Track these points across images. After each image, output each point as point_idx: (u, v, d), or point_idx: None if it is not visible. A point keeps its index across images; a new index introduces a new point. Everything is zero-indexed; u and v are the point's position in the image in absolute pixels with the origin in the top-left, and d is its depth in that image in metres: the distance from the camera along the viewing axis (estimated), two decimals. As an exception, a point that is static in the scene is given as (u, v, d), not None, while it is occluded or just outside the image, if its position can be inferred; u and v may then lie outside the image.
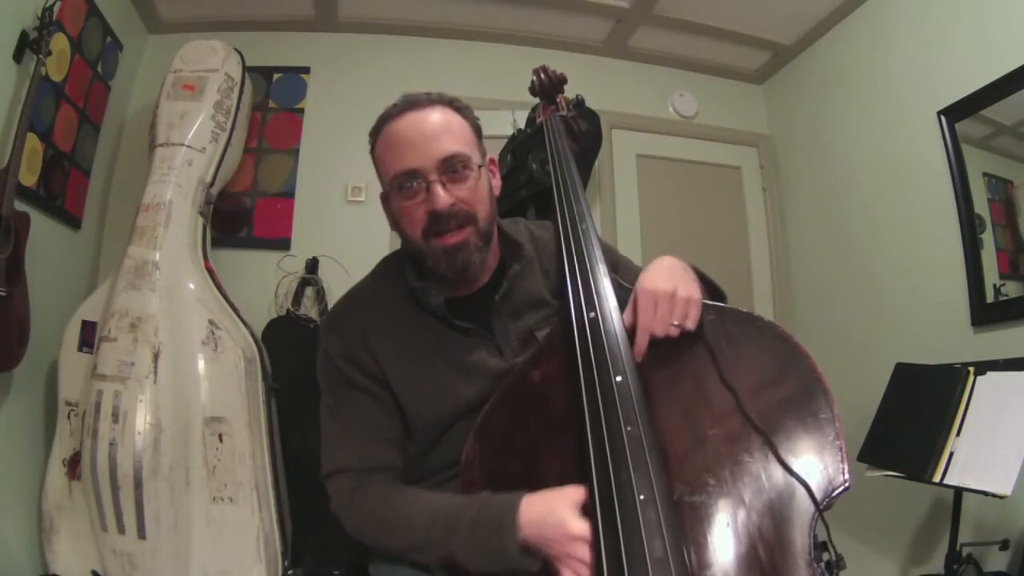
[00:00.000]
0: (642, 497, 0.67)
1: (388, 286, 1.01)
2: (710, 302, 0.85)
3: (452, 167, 0.89)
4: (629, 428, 0.72)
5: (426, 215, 0.89)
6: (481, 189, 0.93)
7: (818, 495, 0.68)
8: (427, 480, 0.95)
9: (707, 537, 0.68)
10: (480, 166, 0.94)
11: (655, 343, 0.81)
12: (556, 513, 0.73)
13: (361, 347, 0.95)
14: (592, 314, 0.84)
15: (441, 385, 0.93)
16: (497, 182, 1.01)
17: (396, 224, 0.96)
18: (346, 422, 0.95)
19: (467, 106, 0.97)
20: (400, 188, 0.90)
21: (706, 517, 0.69)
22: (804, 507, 0.68)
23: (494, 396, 0.86)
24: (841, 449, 0.71)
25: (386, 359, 0.94)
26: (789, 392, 0.76)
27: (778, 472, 0.70)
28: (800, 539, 0.66)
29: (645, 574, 0.63)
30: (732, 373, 0.77)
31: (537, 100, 1.35)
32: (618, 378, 0.76)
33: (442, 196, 0.87)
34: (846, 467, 0.69)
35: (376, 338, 0.95)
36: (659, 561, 0.63)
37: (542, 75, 1.28)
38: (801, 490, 0.68)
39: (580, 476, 0.74)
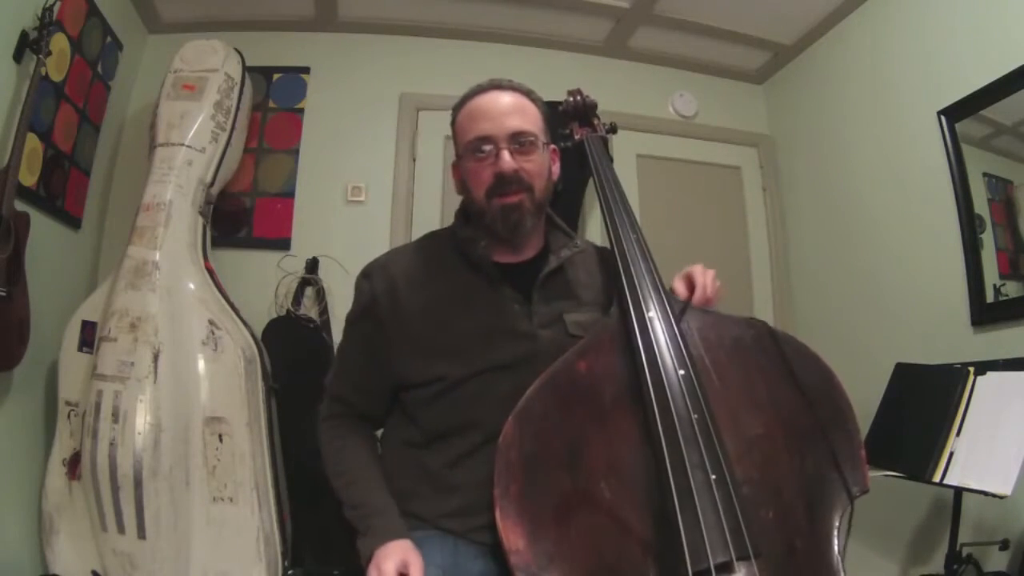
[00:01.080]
0: (715, 477, 0.74)
1: (433, 246, 1.13)
2: (755, 319, 0.98)
3: (520, 141, 1.02)
4: (696, 415, 0.80)
5: (492, 176, 1.01)
6: (542, 166, 1.05)
7: (847, 498, 0.78)
8: (434, 446, 1.01)
9: (755, 525, 0.74)
10: (545, 144, 1.06)
11: (710, 354, 0.90)
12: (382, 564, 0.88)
13: (386, 298, 1.04)
14: (651, 313, 0.92)
15: (465, 344, 1.00)
16: (557, 168, 1.12)
17: (463, 185, 1.08)
18: (342, 358, 1.13)
19: (541, 98, 1.10)
20: (473, 152, 1.02)
21: (752, 507, 0.76)
22: (835, 507, 0.77)
23: (537, 381, 0.89)
24: (863, 459, 0.82)
25: (412, 309, 1.03)
26: (826, 409, 0.85)
27: (815, 475, 0.81)
28: (830, 535, 0.76)
29: (725, 546, 0.69)
30: (776, 386, 0.87)
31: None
32: (681, 372, 0.84)
33: (508, 161, 1.00)
34: (867, 473, 0.80)
35: (407, 286, 1.05)
36: (735, 533, 0.70)
37: (577, 97, 1.33)
38: (833, 493, 0.78)
39: (635, 460, 0.81)
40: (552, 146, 1.10)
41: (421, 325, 1.02)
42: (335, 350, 1.17)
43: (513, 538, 0.77)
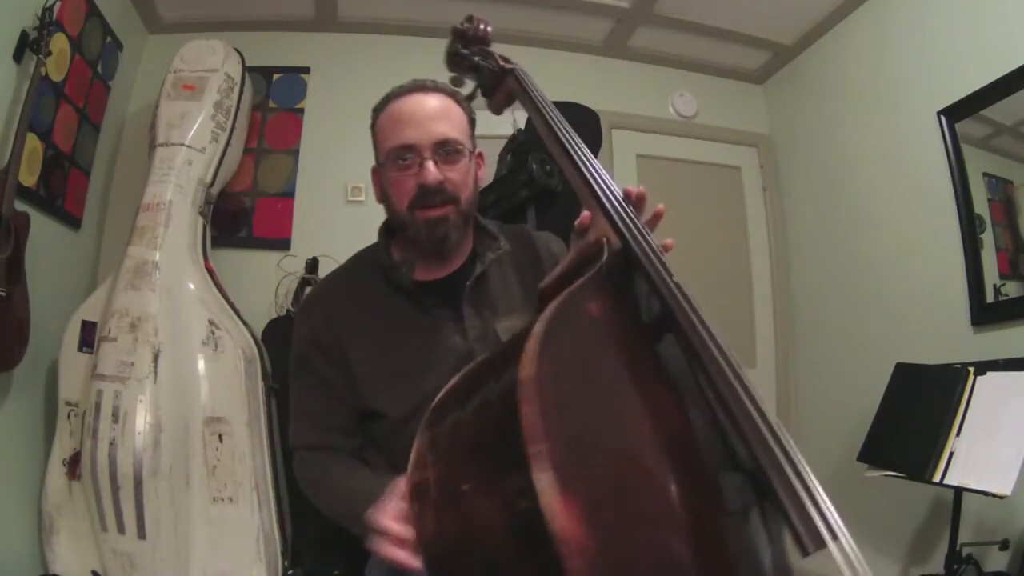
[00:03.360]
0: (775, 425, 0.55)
1: (362, 270, 1.06)
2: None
3: (446, 149, 0.95)
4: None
5: (415, 188, 0.94)
6: (468, 175, 0.99)
7: None
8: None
9: None
10: (471, 153, 1.00)
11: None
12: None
13: (327, 330, 1.00)
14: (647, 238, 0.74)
15: (401, 376, 0.96)
16: (483, 174, 1.06)
17: (384, 195, 1.01)
18: (300, 404, 1.03)
19: (466, 99, 1.03)
20: (395, 160, 0.96)
21: None
22: None
23: (540, 325, 0.58)
24: None
25: (348, 344, 0.99)
26: None
27: None
28: None
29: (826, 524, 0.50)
30: None
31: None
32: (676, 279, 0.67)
33: (433, 172, 0.93)
34: None
35: (342, 319, 1.00)
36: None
37: (480, 25, 1.10)
38: None
39: (683, 418, 0.61)
40: (479, 151, 1.03)
41: (360, 357, 0.98)
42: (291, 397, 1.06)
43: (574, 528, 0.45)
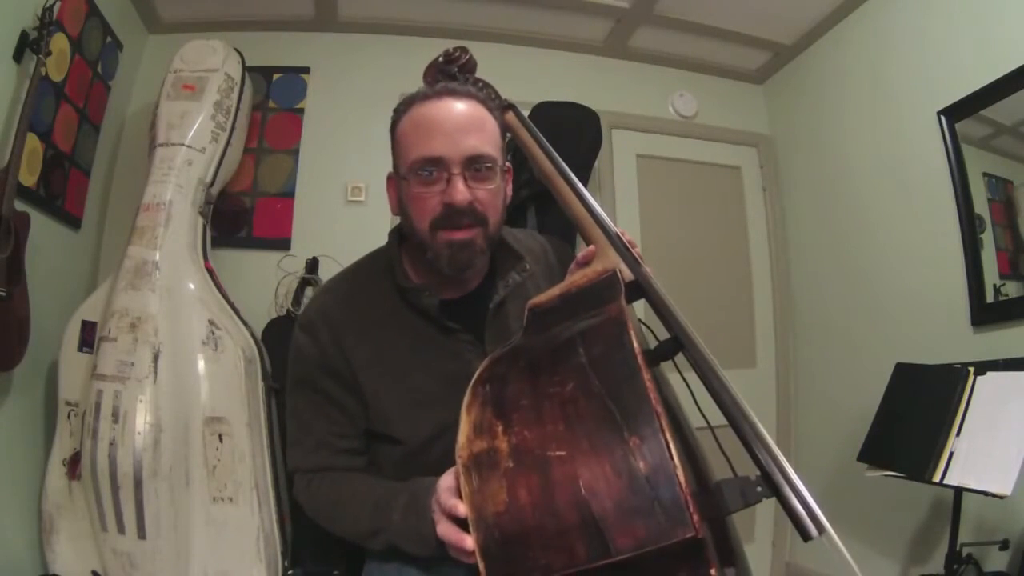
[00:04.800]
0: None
1: (371, 284, 0.97)
2: None
3: (477, 166, 0.86)
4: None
5: (440, 206, 0.86)
6: (498, 196, 0.90)
7: None
8: None
9: None
10: (503, 169, 0.91)
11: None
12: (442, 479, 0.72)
13: (335, 352, 0.92)
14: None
15: (422, 402, 0.90)
16: (510, 191, 0.98)
17: (402, 209, 0.92)
18: (304, 426, 0.95)
19: (499, 108, 0.95)
20: (419, 173, 0.86)
21: None
22: None
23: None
24: None
25: (361, 368, 0.92)
26: None
27: None
28: None
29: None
30: None
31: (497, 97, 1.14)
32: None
33: (462, 191, 0.84)
34: None
35: (352, 343, 0.92)
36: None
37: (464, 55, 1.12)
38: None
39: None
40: (508, 166, 0.94)
41: (374, 382, 0.91)
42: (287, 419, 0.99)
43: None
